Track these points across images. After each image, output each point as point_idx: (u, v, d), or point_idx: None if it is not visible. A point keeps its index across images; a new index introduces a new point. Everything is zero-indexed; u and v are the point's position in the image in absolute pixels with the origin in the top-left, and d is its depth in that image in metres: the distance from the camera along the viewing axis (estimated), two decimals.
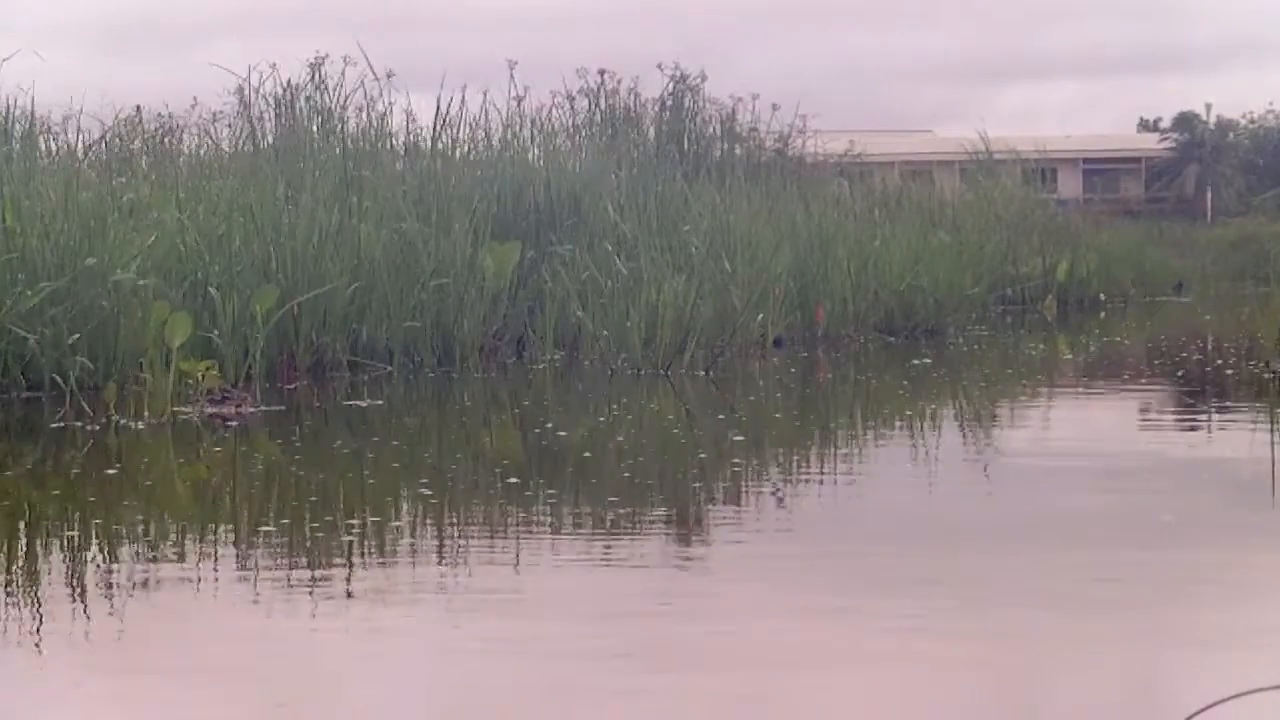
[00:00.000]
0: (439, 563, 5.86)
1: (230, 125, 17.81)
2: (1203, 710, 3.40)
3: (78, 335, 10.71)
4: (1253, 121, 69.39)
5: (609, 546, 6.05)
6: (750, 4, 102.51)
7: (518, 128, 18.22)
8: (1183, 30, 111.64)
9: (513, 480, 7.76)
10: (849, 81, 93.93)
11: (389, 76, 16.85)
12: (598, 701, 4.10)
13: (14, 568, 5.88)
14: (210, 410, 10.05)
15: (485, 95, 17.90)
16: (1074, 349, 17.29)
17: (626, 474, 7.99)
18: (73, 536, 6.41)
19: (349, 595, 5.26)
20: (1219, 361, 14.26)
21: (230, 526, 6.68)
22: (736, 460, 8.59)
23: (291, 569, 5.71)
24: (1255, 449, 8.60)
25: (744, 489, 7.65)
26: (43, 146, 14.93)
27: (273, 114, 17.34)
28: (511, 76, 18.33)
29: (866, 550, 6.01)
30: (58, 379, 10.51)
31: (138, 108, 17.68)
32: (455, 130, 17.15)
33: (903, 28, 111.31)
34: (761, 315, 15.62)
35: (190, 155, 16.91)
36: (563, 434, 9.55)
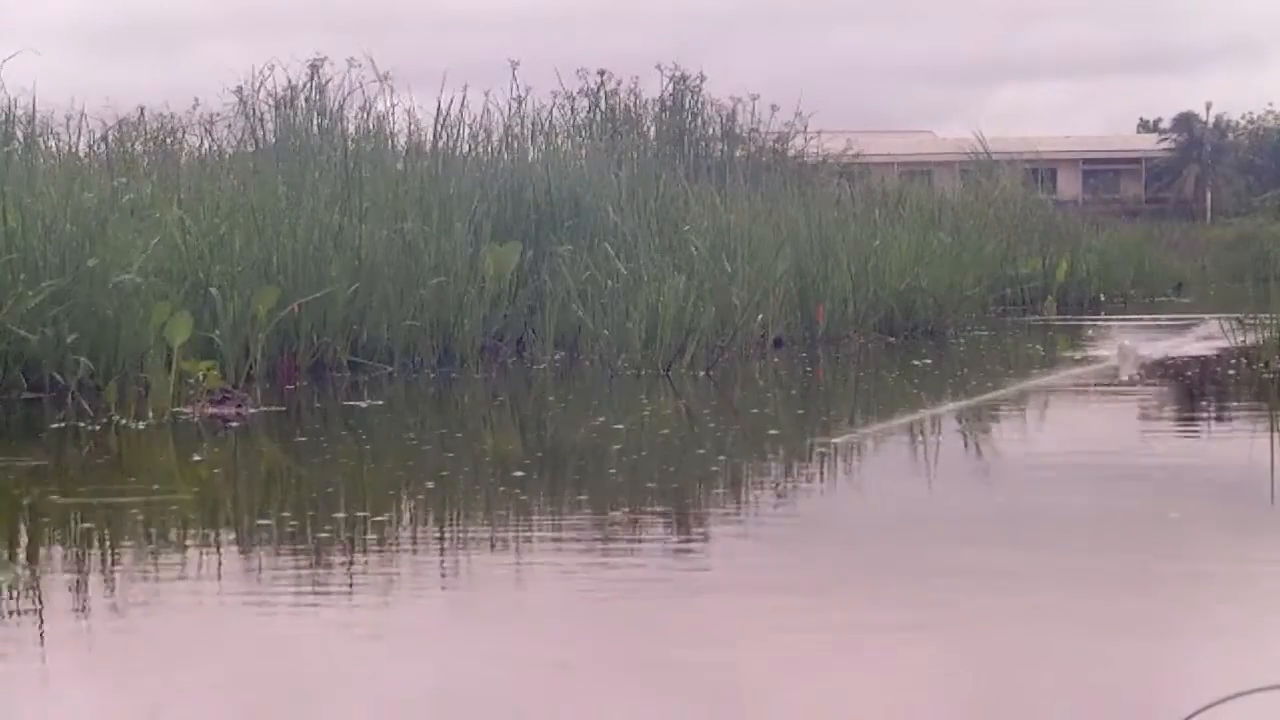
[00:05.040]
0: (438, 561, 5.87)
1: (230, 125, 17.86)
2: (1202, 710, 3.40)
3: (78, 335, 10.72)
4: (1252, 122, 69.54)
5: (608, 545, 6.06)
6: (748, 5, 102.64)
7: (518, 128, 18.27)
8: (1178, 31, 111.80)
9: (512, 479, 7.76)
10: (842, 81, 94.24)
11: (385, 76, 16.91)
12: (596, 700, 4.10)
13: (14, 567, 5.88)
14: (210, 410, 10.06)
15: (486, 96, 17.98)
16: (1075, 349, 17.29)
17: (626, 473, 7.99)
18: (73, 536, 6.42)
19: (349, 594, 5.26)
20: (1229, 362, 14.25)
21: (230, 526, 6.68)
22: (736, 459, 8.59)
23: (292, 568, 5.71)
24: (1255, 448, 8.61)
25: (743, 487, 7.65)
26: (44, 146, 14.95)
27: (273, 114, 17.38)
28: (513, 77, 18.39)
29: (866, 549, 6.01)
30: (58, 379, 10.53)
31: (141, 109, 17.73)
32: (456, 130, 17.21)
33: (897, 28, 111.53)
34: (762, 315, 15.63)
35: (191, 156, 16.94)
36: (563, 434, 9.56)
